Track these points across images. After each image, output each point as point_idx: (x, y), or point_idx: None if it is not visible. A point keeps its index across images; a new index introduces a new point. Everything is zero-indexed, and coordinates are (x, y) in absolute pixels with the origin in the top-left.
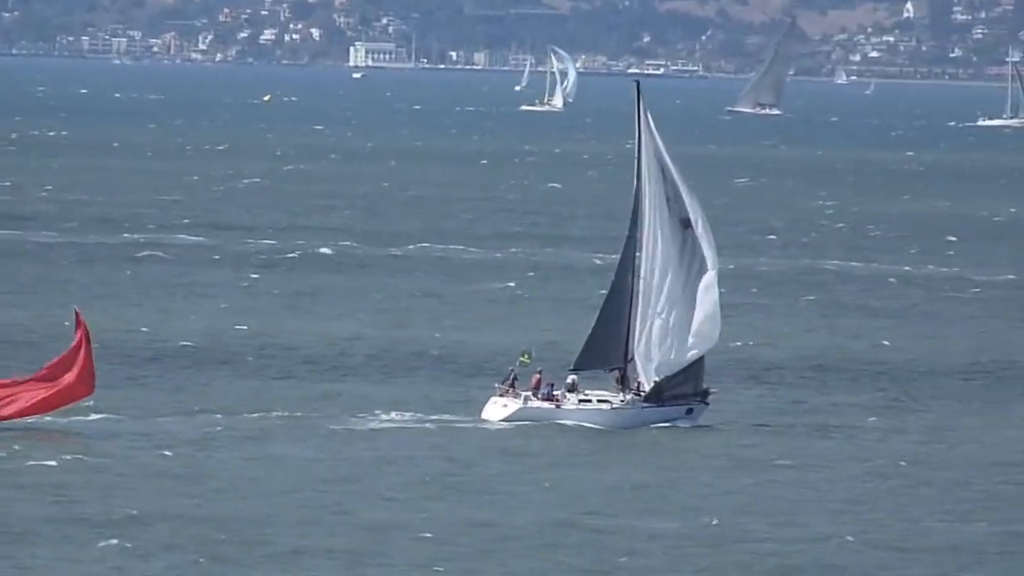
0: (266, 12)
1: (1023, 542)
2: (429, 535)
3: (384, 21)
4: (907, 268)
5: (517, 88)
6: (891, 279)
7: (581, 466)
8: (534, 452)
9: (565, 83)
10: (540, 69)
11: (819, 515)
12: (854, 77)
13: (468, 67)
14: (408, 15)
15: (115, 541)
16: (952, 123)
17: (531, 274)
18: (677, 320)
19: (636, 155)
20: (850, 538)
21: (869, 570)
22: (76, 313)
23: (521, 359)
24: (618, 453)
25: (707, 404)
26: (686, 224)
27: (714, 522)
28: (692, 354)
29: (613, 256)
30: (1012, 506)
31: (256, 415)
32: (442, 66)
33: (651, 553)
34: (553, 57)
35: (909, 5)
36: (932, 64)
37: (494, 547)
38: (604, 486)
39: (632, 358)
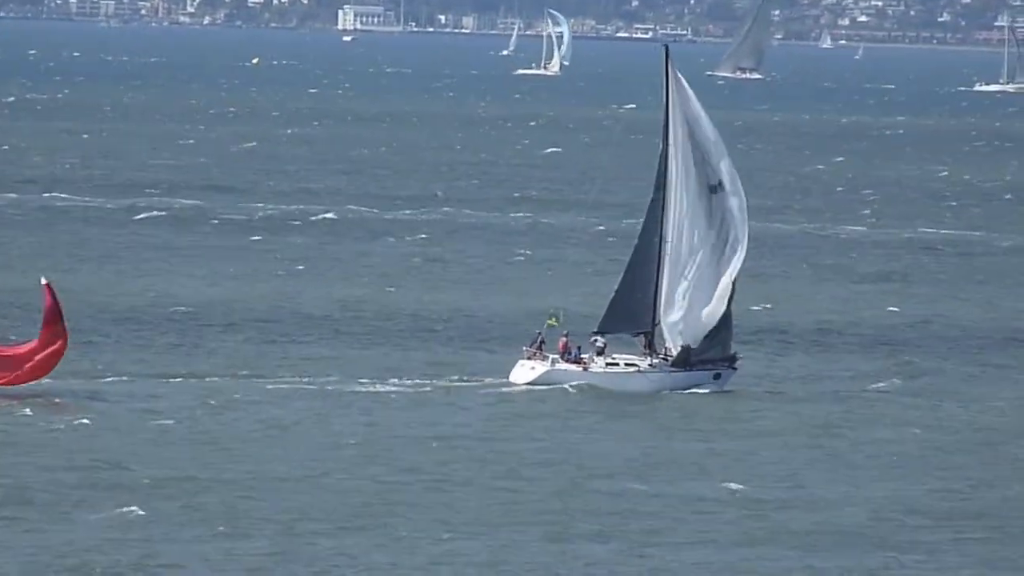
0: None
1: None
2: (443, 499)
3: None
4: (908, 234)
5: (504, 52)
6: (893, 243)
7: (600, 430)
8: (558, 414)
9: (562, 47)
10: (528, 33)
11: (842, 482)
12: (842, 42)
13: (457, 31)
14: None
15: (134, 508)
16: (949, 88)
17: (544, 238)
18: (704, 285)
19: (664, 119)
20: (869, 504)
21: (887, 535)
22: (46, 286)
23: (549, 322)
24: (640, 418)
25: (735, 369)
26: (714, 189)
27: (734, 487)
28: (717, 318)
29: (629, 221)
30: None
31: (268, 379)
32: (431, 29)
33: (670, 517)
34: (549, 20)
35: None
36: (920, 28)
37: (509, 510)
38: (624, 450)
39: (659, 322)
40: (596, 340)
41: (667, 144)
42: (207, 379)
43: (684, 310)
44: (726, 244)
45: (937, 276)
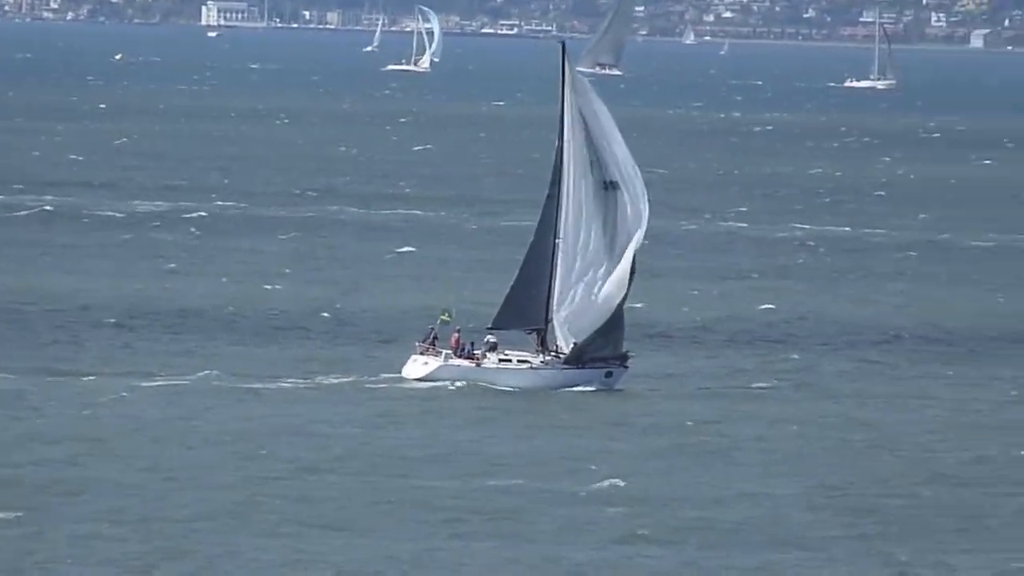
0: None
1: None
2: (328, 494)
3: None
4: (782, 232)
5: (368, 49)
6: (768, 240)
7: (489, 426)
8: (450, 412)
9: (433, 43)
10: (393, 29)
11: (742, 476)
12: (707, 38)
13: (322, 26)
14: None
15: (7, 508)
16: (817, 85)
17: (422, 235)
18: (597, 283)
19: (560, 116)
20: (750, 501)
21: (767, 531)
22: None
23: (442, 317)
24: (530, 414)
25: (626, 368)
26: (608, 186)
27: (622, 484)
28: (609, 316)
29: (520, 219)
30: (947, 467)
31: (144, 377)
32: (295, 25)
33: (553, 514)
34: (420, 16)
35: None
36: (786, 24)
37: (401, 512)
38: (511, 446)
39: (551, 319)
40: (488, 337)
41: (562, 141)
42: (81, 377)
43: (576, 308)
44: (618, 242)
45: (812, 272)
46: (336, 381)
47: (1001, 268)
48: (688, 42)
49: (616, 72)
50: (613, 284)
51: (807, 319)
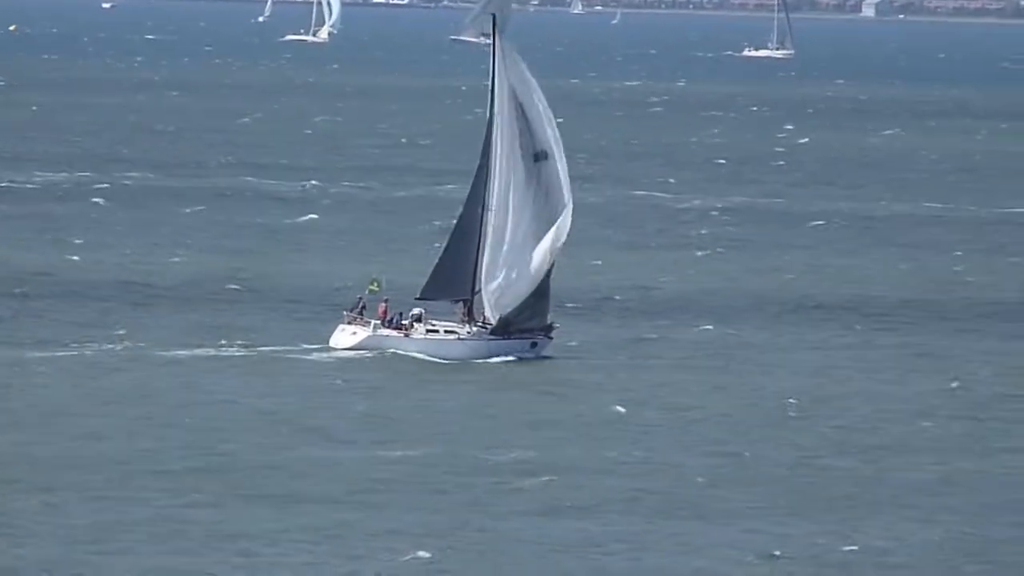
0: None
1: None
2: (276, 467)
3: None
4: (698, 200)
5: (260, 19)
6: (688, 212)
7: (414, 396)
8: (375, 383)
9: (332, 14)
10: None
11: (660, 446)
12: (598, 8)
13: None
14: None
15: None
16: (715, 54)
17: (340, 206)
18: (525, 254)
19: (491, 87)
20: (664, 471)
21: (681, 499)
22: None
23: (370, 287)
24: (461, 384)
25: (551, 339)
26: (539, 157)
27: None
28: (535, 286)
29: (437, 188)
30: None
31: (62, 347)
32: None
33: (488, 487)
34: None
35: None
36: None
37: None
38: (429, 415)
39: (479, 290)
40: (415, 308)
41: (492, 112)
42: None
43: (504, 278)
44: (546, 214)
45: (728, 244)
46: (264, 349)
47: (905, 236)
48: (576, 12)
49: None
50: (539, 255)
51: (724, 291)
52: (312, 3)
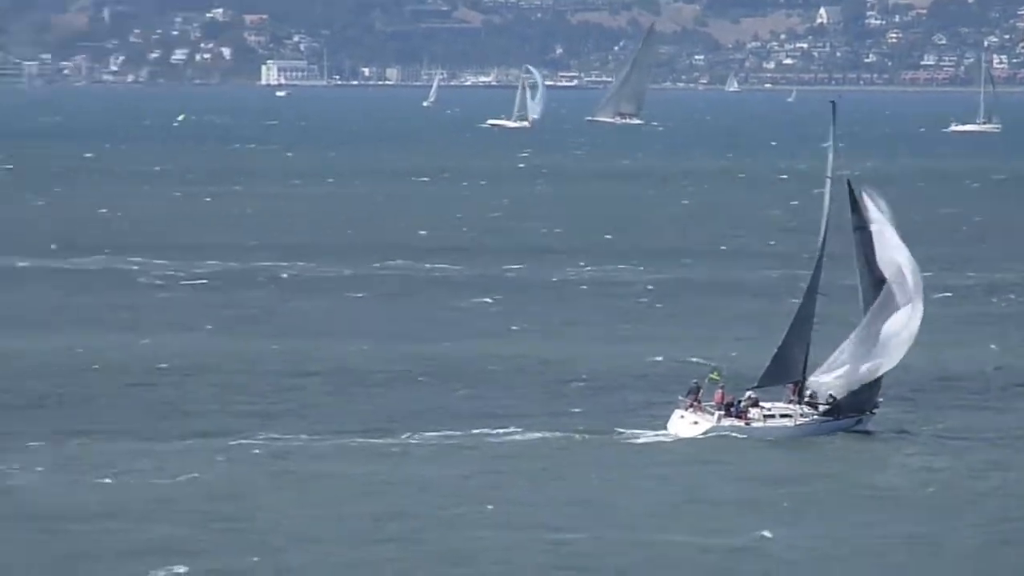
0: (176, 32)
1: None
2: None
3: (295, 39)
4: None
5: (425, 104)
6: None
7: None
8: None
9: (536, 98)
10: (452, 83)
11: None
12: (769, 85)
13: (381, 83)
14: (318, 32)
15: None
16: (926, 130)
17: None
18: (864, 337)
19: (828, 173)
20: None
21: None
22: None
23: (711, 376)
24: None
25: (873, 415)
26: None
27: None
28: (877, 370)
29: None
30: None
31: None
32: (355, 82)
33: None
34: (528, 74)
35: (823, 11)
36: (847, 70)
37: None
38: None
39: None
40: (749, 392)
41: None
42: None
43: (842, 363)
44: (886, 298)
45: None
46: (592, 437)
47: None
48: (731, 90)
49: (637, 121)
50: (896, 348)
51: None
52: (514, 87)
